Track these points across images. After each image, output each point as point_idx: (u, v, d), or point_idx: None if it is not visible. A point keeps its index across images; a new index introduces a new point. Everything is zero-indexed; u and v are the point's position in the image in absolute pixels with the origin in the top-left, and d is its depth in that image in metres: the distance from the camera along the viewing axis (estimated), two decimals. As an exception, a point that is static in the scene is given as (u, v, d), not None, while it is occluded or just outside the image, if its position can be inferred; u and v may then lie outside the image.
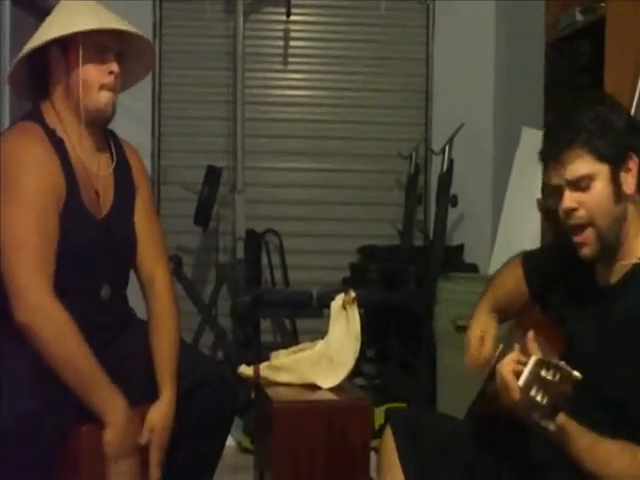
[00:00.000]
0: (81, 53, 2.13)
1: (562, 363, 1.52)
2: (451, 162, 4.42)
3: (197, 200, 4.83)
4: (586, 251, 1.74)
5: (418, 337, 4.27)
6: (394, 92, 5.37)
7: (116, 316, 2.29)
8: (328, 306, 2.48)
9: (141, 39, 2.27)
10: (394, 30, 5.38)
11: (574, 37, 3.39)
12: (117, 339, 2.26)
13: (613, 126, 1.72)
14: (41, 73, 2.21)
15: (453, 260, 4.83)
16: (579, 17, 3.35)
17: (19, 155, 2.09)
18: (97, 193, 2.22)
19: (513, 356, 1.65)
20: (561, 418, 1.58)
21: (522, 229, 3.71)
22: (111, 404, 2.04)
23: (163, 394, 2.18)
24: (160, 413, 2.16)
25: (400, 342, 4.64)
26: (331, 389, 2.41)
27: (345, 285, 4.74)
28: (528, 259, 2.06)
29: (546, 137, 1.78)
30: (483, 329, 2.04)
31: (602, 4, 3.12)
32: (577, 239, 1.75)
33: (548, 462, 1.72)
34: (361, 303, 2.46)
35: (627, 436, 1.64)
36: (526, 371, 1.56)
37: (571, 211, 1.72)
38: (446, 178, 4.40)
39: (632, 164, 1.72)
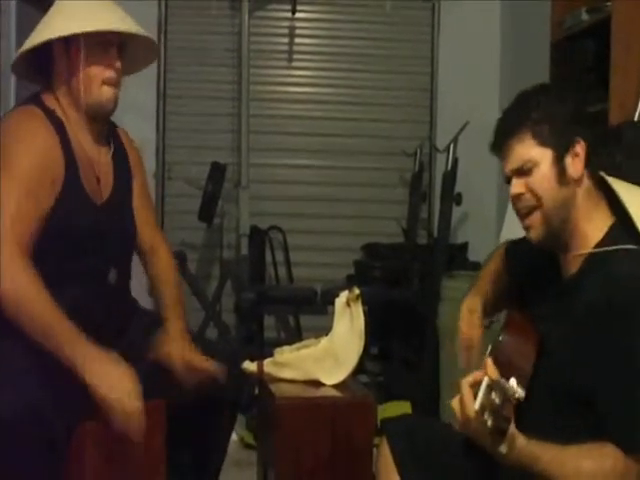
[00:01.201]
0: (83, 52, 2.13)
1: (511, 382, 1.51)
2: (455, 160, 4.42)
3: (201, 196, 4.84)
4: (533, 234, 1.77)
5: (422, 335, 4.26)
6: (399, 90, 5.38)
7: (123, 300, 2.31)
8: (332, 303, 2.48)
9: (142, 34, 2.26)
10: (399, 28, 5.38)
11: (580, 36, 3.40)
12: (126, 325, 2.27)
13: (556, 115, 1.74)
14: (44, 65, 2.21)
15: (457, 258, 4.82)
16: (585, 16, 3.35)
17: (16, 131, 2.10)
18: (98, 179, 2.23)
19: (476, 374, 1.64)
20: (519, 440, 1.57)
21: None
22: (83, 354, 1.92)
23: (171, 328, 2.26)
24: (171, 336, 2.24)
25: (404, 340, 4.64)
26: (335, 386, 2.41)
27: (349, 282, 4.74)
28: (510, 252, 2.07)
29: (494, 130, 1.82)
30: (471, 307, 2.05)
31: (608, 3, 3.13)
32: (524, 222, 1.78)
33: None
34: (365, 300, 2.47)
35: (594, 432, 1.62)
36: (480, 394, 1.54)
37: (519, 196, 1.76)
38: (450, 176, 4.40)
39: (579, 149, 1.74)
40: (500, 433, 1.53)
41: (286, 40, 5.37)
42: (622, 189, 1.78)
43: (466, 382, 1.63)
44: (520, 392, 1.50)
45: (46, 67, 2.21)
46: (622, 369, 1.62)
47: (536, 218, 1.75)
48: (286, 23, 5.33)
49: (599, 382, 1.63)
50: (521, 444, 1.58)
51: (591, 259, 1.74)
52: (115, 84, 2.20)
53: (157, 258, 2.39)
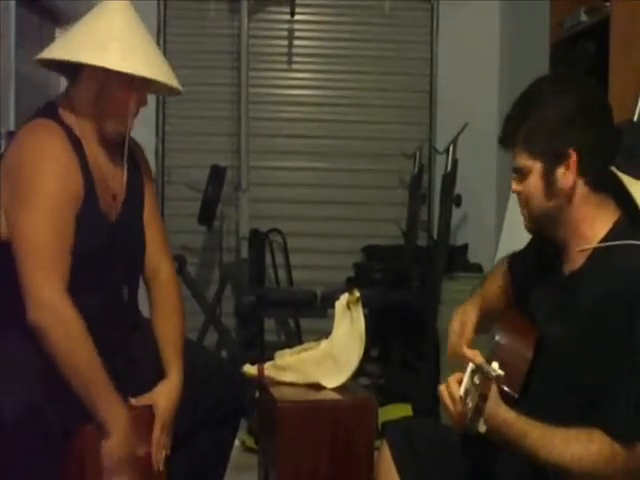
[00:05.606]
0: (116, 86, 2.14)
1: (493, 364, 1.55)
2: (455, 162, 4.42)
3: (201, 199, 4.84)
4: (525, 225, 1.85)
5: (422, 337, 4.26)
6: (398, 91, 5.38)
7: (133, 316, 2.31)
8: (332, 306, 2.48)
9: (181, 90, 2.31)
10: (398, 29, 5.39)
11: (579, 37, 3.39)
12: (129, 339, 2.27)
13: (550, 122, 1.74)
14: (69, 67, 2.17)
15: (457, 260, 4.82)
16: (584, 17, 3.34)
17: (40, 156, 2.08)
18: (114, 196, 2.22)
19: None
20: (509, 415, 1.62)
21: (526, 229, 3.70)
22: (113, 414, 2.04)
23: (169, 374, 2.21)
24: (165, 392, 2.18)
25: (404, 342, 4.64)
26: (335, 389, 2.41)
27: (349, 285, 4.74)
28: (514, 256, 2.07)
29: (502, 125, 1.85)
30: (464, 318, 2.05)
31: (607, 4, 3.12)
32: (521, 212, 1.85)
33: (543, 472, 1.70)
34: (365, 303, 2.47)
35: (592, 423, 1.63)
36: (464, 380, 1.61)
37: (514, 193, 1.83)
38: (450, 178, 4.40)
39: (571, 160, 1.73)
40: (478, 412, 1.54)
41: (285, 42, 5.37)
42: (631, 184, 1.79)
43: (453, 379, 1.72)
44: (499, 372, 1.53)
45: (70, 70, 2.18)
46: (621, 361, 1.62)
47: (527, 214, 1.82)
48: (285, 25, 5.34)
49: (599, 375, 1.64)
50: (510, 418, 1.62)
51: (594, 255, 1.74)
52: (135, 115, 2.22)
53: (160, 286, 2.34)
